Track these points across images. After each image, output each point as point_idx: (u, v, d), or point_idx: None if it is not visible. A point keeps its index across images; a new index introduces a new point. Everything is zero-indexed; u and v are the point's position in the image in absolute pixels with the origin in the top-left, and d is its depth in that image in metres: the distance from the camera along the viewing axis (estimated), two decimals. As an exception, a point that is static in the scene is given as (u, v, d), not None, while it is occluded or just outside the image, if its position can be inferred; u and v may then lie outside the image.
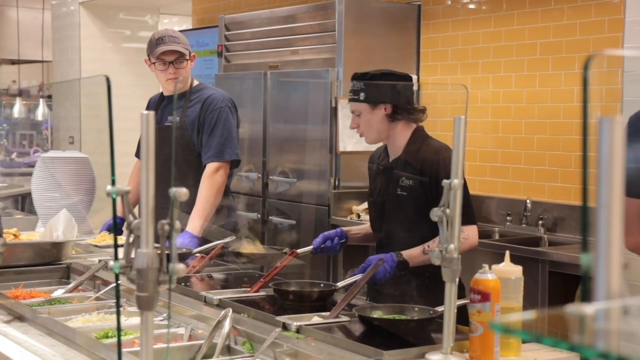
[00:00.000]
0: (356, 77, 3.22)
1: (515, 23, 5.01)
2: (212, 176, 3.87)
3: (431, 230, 2.99)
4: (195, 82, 4.10)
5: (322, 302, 2.77)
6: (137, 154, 4.34)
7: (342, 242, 3.30)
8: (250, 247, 3.32)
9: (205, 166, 3.90)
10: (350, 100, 3.20)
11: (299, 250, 3.16)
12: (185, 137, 3.95)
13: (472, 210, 3.09)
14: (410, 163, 3.14)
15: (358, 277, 2.89)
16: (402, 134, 3.18)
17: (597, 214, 0.96)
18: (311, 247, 3.23)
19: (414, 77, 5.57)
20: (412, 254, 3.02)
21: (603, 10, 4.53)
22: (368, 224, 3.44)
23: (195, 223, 3.75)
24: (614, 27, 4.44)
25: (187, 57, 3.96)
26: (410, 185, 3.12)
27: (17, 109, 10.21)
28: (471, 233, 3.05)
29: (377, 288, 3.13)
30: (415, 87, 5.57)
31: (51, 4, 8.67)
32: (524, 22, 4.95)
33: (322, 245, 3.25)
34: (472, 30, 5.26)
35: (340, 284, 2.91)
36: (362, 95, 3.15)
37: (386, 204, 3.22)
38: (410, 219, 3.12)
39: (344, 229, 3.37)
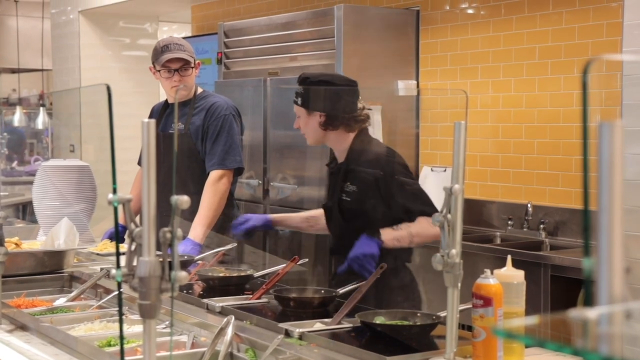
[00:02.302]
0: (299, 79, 3.25)
1: (514, 28, 5.01)
2: (215, 184, 3.87)
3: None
4: (200, 90, 4.11)
5: (324, 309, 2.77)
6: (140, 162, 4.34)
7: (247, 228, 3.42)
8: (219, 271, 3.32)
9: (209, 174, 3.90)
10: (293, 101, 3.24)
11: (224, 248, 3.37)
12: (189, 144, 3.95)
13: (431, 201, 3.15)
14: (353, 169, 3.17)
15: (359, 283, 2.90)
16: (342, 140, 3.20)
17: (598, 218, 0.96)
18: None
19: (413, 82, 5.57)
20: (383, 230, 3.06)
21: (601, 14, 4.54)
22: (303, 213, 3.58)
23: (198, 230, 3.75)
24: (613, 31, 4.44)
25: (192, 65, 3.97)
26: (354, 190, 3.15)
27: (18, 117, 10.22)
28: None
29: (339, 259, 3.21)
30: (416, 92, 5.57)
31: (50, 13, 8.68)
32: (523, 26, 4.96)
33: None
34: (471, 35, 5.26)
35: (341, 290, 2.92)
36: (299, 100, 3.19)
37: (334, 209, 3.26)
38: (355, 224, 3.14)
39: (272, 216, 3.51)
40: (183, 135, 3.97)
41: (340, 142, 3.20)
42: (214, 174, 3.88)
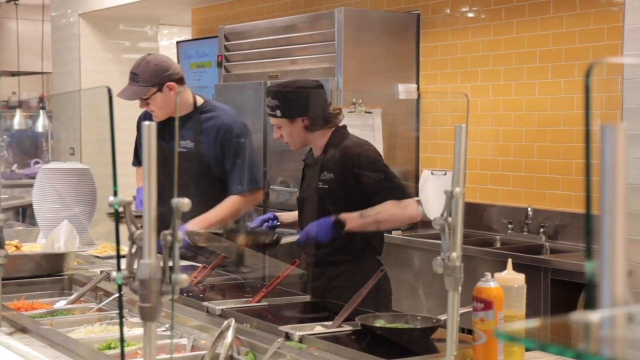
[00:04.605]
0: (271, 93, 3.36)
1: (515, 31, 5.01)
2: (235, 203, 3.84)
3: None
4: (200, 101, 3.98)
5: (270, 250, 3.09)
6: (135, 163, 4.31)
7: (276, 225, 3.49)
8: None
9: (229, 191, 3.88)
10: (269, 115, 3.36)
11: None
12: (201, 163, 3.88)
13: (404, 186, 3.32)
14: (331, 158, 3.32)
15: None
16: (323, 136, 3.36)
17: (600, 222, 0.96)
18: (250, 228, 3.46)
19: (413, 85, 5.57)
20: (349, 216, 3.20)
21: (602, 18, 4.54)
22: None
23: (195, 221, 3.66)
24: (613, 35, 4.45)
25: (149, 94, 3.80)
26: (331, 177, 3.30)
27: (18, 120, 10.21)
28: (411, 204, 3.25)
29: (308, 252, 3.36)
30: (417, 96, 5.58)
31: (51, 16, 8.69)
32: (523, 30, 4.96)
33: (260, 227, 3.44)
34: (472, 39, 5.26)
35: (283, 240, 3.22)
36: (278, 112, 3.31)
37: (310, 198, 3.39)
38: (331, 210, 3.27)
39: (277, 213, 3.56)
40: (194, 153, 3.89)
41: (321, 139, 3.36)
42: (235, 197, 3.86)
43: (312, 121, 3.32)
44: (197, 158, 3.88)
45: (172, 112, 3.89)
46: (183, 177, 3.78)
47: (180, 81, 3.87)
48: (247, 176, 3.87)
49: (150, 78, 3.79)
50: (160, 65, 3.83)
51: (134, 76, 3.81)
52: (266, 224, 3.44)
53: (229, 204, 3.84)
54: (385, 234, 3.45)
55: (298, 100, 3.32)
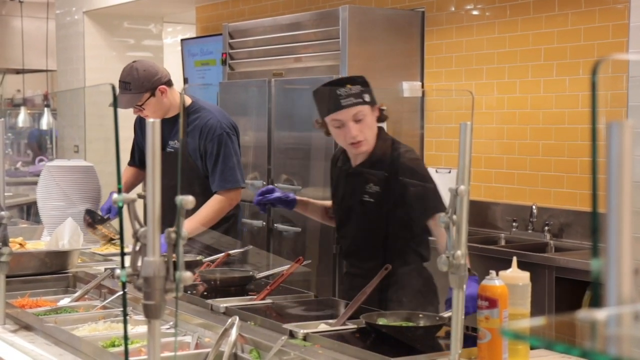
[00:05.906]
0: (347, 80, 3.09)
1: (520, 29, 5.00)
2: (218, 203, 3.90)
3: (398, 237, 3.03)
4: (189, 101, 4.05)
5: (243, 287, 3.10)
6: (131, 162, 4.34)
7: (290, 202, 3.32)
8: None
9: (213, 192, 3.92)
10: (349, 105, 2.92)
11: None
12: (189, 163, 3.94)
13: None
14: (379, 169, 3.03)
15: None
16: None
17: (606, 219, 0.96)
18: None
19: (418, 83, 5.57)
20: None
21: (607, 16, 4.53)
22: (323, 202, 3.46)
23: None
24: (619, 33, 4.43)
25: (144, 100, 3.87)
26: (378, 191, 3.01)
27: (22, 118, 10.22)
28: None
29: (352, 262, 3.20)
30: (421, 93, 5.57)
31: (55, 14, 8.69)
32: (528, 28, 4.95)
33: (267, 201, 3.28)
34: (476, 37, 5.25)
35: (259, 274, 3.17)
36: (367, 97, 2.95)
37: (352, 210, 3.13)
38: (378, 226, 3.05)
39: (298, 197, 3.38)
40: (182, 154, 3.93)
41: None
42: (217, 196, 3.92)
43: (382, 113, 3.00)
44: (184, 158, 3.94)
45: (164, 114, 3.96)
46: (172, 178, 3.79)
47: (168, 83, 3.96)
48: (226, 175, 3.89)
49: (143, 84, 3.88)
50: (149, 71, 3.92)
51: (125, 85, 3.88)
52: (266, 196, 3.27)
53: (210, 204, 3.88)
54: None
55: (371, 87, 2.98)
